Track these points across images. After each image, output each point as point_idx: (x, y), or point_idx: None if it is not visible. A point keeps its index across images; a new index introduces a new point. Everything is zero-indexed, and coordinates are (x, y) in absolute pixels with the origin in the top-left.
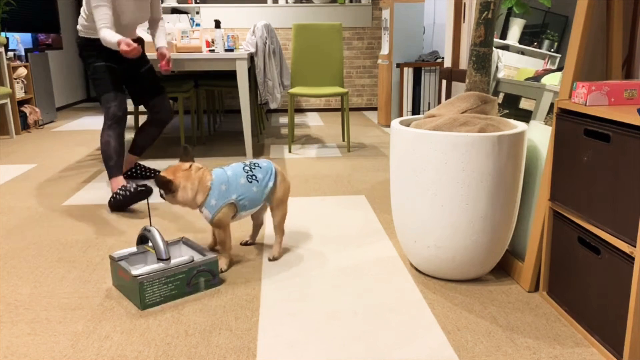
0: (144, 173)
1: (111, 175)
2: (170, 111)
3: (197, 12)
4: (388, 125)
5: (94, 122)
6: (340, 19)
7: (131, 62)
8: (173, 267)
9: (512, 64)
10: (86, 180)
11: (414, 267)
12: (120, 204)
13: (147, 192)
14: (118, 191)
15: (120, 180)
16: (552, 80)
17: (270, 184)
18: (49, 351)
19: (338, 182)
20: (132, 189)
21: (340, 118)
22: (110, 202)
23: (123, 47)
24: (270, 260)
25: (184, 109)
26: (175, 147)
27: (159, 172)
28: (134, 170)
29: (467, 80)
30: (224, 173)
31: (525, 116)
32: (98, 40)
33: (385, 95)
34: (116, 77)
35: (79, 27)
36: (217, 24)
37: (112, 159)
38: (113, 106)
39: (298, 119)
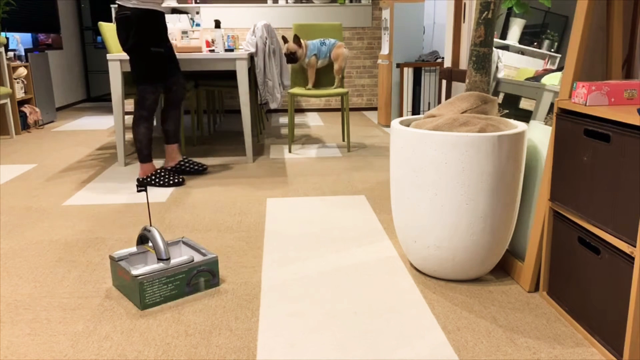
0: (193, 167)
1: (144, 161)
2: (184, 89)
3: (197, 12)
4: (388, 125)
5: (93, 122)
6: (340, 19)
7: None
8: (173, 267)
9: (512, 64)
10: (86, 180)
11: (414, 267)
12: (151, 186)
13: (180, 184)
14: (152, 177)
15: (151, 167)
16: (552, 80)
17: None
18: (49, 351)
19: (338, 182)
20: (166, 181)
21: (340, 118)
22: (140, 180)
23: None
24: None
25: (184, 109)
26: None
27: (206, 167)
28: (183, 163)
29: (467, 80)
30: None
31: (525, 116)
32: (156, 12)
33: (385, 95)
34: (163, 65)
35: None
36: (217, 24)
37: (147, 148)
38: (151, 99)
39: (298, 119)
